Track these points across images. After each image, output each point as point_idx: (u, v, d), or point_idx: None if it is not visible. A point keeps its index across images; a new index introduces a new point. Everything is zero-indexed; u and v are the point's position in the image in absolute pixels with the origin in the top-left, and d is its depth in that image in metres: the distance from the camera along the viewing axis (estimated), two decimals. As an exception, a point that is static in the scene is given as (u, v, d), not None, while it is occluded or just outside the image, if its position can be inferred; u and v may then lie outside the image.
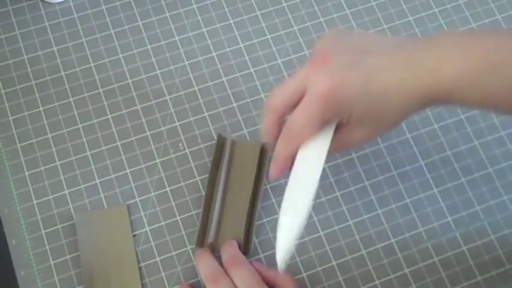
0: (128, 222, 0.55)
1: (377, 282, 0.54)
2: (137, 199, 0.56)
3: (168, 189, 0.56)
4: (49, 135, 0.57)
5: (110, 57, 0.60)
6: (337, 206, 0.56)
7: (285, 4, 0.63)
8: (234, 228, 0.54)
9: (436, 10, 0.64)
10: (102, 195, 0.56)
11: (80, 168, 0.56)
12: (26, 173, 0.56)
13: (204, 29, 0.62)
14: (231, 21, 0.62)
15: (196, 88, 0.60)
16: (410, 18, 0.63)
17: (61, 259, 0.53)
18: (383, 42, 0.47)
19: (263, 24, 0.62)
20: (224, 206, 0.55)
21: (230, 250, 0.52)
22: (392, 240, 0.55)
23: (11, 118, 0.58)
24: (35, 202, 0.55)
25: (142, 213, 0.55)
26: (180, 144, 0.58)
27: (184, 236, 0.55)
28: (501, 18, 0.64)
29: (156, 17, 0.62)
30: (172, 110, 0.59)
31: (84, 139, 0.57)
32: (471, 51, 0.44)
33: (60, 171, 0.56)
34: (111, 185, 0.56)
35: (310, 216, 0.55)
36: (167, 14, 0.62)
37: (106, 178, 0.56)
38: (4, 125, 0.57)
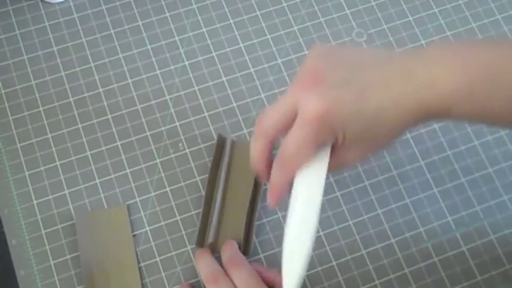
0: (128, 222, 0.55)
1: (377, 282, 0.54)
2: (137, 199, 0.56)
3: (168, 189, 0.56)
4: (49, 135, 0.57)
5: (110, 57, 0.60)
6: (337, 206, 0.56)
7: (285, 4, 0.63)
8: (234, 228, 0.54)
9: (436, 10, 0.64)
10: (102, 195, 0.56)
11: (80, 168, 0.56)
12: (26, 173, 0.56)
13: (204, 29, 0.62)
14: (231, 21, 0.62)
15: (196, 88, 0.60)
16: (410, 18, 0.63)
17: (61, 259, 0.53)
18: (375, 56, 0.45)
19: (263, 24, 0.62)
20: (224, 206, 0.55)
21: (230, 250, 0.52)
22: (392, 240, 0.55)
23: (11, 118, 0.58)
24: (35, 202, 0.55)
25: (142, 213, 0.55)
26: (180, 144, 0.58)
27: (184, 236, 0.55)
28: (501, 18, 0.64)
29: (156, 17, 0.62)
30: (172, 110, 0.59)
31: (84, 139, 0.57)
32: (468, 62, 0.42)
33: (60, 171, 0.56)
34: (111, 185, 0.56)
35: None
36: (167, 14, 0.62)
37: (106, 178, 0.56)
38: (4, 125, 0.57)
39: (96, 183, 0.56)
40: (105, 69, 0.60)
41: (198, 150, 0.57)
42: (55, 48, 0.60)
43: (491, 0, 0.64)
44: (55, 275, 0.53)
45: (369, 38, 0.62)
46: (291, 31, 0.62)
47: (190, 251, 0.54)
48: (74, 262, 0.53)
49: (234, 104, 0.59)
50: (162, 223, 0.55)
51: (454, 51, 0.43)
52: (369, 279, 0.54)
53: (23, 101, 0.58)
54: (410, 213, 0.56)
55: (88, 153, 0.57)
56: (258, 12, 0.63)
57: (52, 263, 0.53)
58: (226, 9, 0.63)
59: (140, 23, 0.62)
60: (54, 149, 0.57)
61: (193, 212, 0.55)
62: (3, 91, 0.59)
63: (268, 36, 0.62)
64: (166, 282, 0.53)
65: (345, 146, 0.44)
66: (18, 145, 0.57)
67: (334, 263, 0.54)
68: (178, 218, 0.55)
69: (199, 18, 0.62)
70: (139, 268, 0.53)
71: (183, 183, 0.56)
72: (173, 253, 0.54)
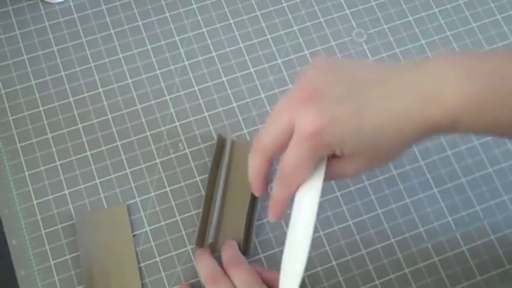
0: (128, 222, 0.55)
1: (377, 282, 0.54)
2: (137, 199, 0.56)
3: (168, 189, 0.56)
4: (49, 135, 0.57)
5: (110, 57, 0.60)
6: (337, 206, 0.56)
7: (285, 4, 0.63)
8: (234, 228, 0.54)
9: (436, 10, 0.64)
10: (102, 195, 0.56)
11: (80, 168, 0.56)
12: (26, 173, 0.56)
13: (204, 29, 0.62)
14: (231, 21, 0.62)
15: (196, 88, 0.60)
16: (410, 18, 0.63)
17: (61, 259, 0.53)
18: (378, 71, 0.43)
19: (263, 24, 0.62)
20: (224, 206, 0.55)
21: (230, 250, 0.52)
22: (392, 240, 0.55)
23: (11, 118, 0.58)
24: (35, 202, 0.55)
25: (142, 213, 0.55)
26: (180, 144, 0.58)
27: (184, 236, 0.55)
28: (501, 18, 0.64)
29: (156, 17, 0.62)
30: (172, 110, 0.59)
31: (84, 139, 0.57)
32: (475, 74, 0.41)
33: (60, 171, 0.56)
34: (111, 185, 0.56)
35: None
36: (167, 14, 0.62)
37: (106, 178, 0.56)
38: (4, 125, 0.57)
39: (96, 183, 0.56)
40: (105, 69, 0.60)
41: (198, 150, 0.57)
42: (55, 48, 0.60)
43: (491, 0, 0.64)
44: (55, 275, 0.53)
45: (368, 38, 0.62)
46: (291, 31, 0.62)
47: (190, 251, 0.54)
48: (74, 262, 0.53)
49: (234, 104, 0.59)
50: (162, 223, 0.55)
51: (459, 64, 0.42)
52: (369, 279, 0.54)
53: (23, 101, 0.58)
54: (410, 213, 0.56)
55: (88, 153, 0.57)
56: (258, 12, 0.63)
57: (52, 263, 0.53)
58: (226, 9, 0.63)
59: (140, 23, 0.62)
60: (54, 149, 0.57)
61: (193, 212, 0.55)
62: (3, 91, 0.59)
63: (268, 36, 0.62)
64: (166, 282, 0.53)
65: (344, 159, 0.44)
66: (18, 145, 0.57)
67: (334, 263, 0.54)
68: (178, 218, 0.55)
69: (199, 18, 0.62)
70: (140, 268, 0.53)
71: (183, 183, 0.56)
72: (173, 253, 0.54)
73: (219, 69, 0.60)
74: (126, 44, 0.61)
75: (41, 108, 0.58)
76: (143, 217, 0.55)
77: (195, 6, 0.63)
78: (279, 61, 0.61)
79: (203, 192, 0.55)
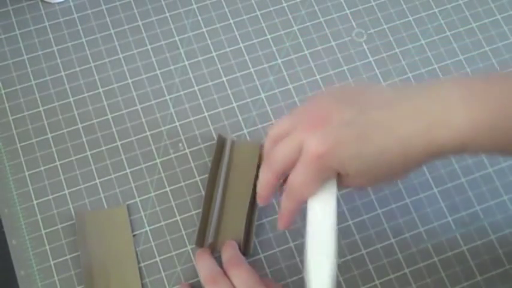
0: (128, 222, 0.55)
1: (377, 282, 0.54)
2: (137, 199, 0.56)
3: (168, 189, 0.56)
4: (49, 135, 0.57)
5: (110, 57, 0.60)
6: (337, 206, 0.56)
7: (285, 4, 0.63)
8: (234, 228, 0.54)
9: (436, 10, 0.64)
10: (102, 195, 0.56)
11: (80, 168, 0.56)
12: (26, 173, 0.56)
13: (204, 29, 0.62)
14: (231, 21, 0.62)
15: (196, 88, 0.60)
16: (410, 18, 0.63)
17: (61, 259, 0.53)
18: (386, 92, 0.46)
19: (263, 24, 0.62)
20: (224, 206, 0.55)
21: (230, 251, 0.52)
22: (392, 240, 0.55)
23: (11, 118, 0.58)
24: (35, 202, 0.55)
25: (142, 213, 0.55)
26: (180, 144, 0.58)
27: (184, 236, 0.55)
28: (501, 18, 0.64)
29: (156, 17, 0.62)
30: (172, 110, 0.59)
31: (84, 139, 0.57)
32: (485, 98, 0.42)
33: (60, 171, 0.56)
34: (111, 185, 0.56)
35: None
36: (167, 14, 0.62)
37: (106, 178, 0.56)
38: (4, 125, 0.57)
39: (96, 183, 0.56)
40: (105, 69, 0.60)
41: (198, 150, 0.57)
42: (55, 48, 0.60)
43: (491, 0, 0.64)
44: (55, 275, 0.53)
45: (368, 38, 0.62)
46: (291, 31, 0.62)
47: (190, 251, 0.54)
48: (74, 262, 0.53)
49: (234, 104, 0.59)
50: (162, 223, 0.55)
51: (467, 88, 0.42)
52: (369, 279, 0.54)
53: (23, 101, 0.58)
54: (410, 213, 0.56)
55: (88, 153, 0.57)
56: (258, 12, 0.63)
57: (52, 263, 0.53)
58: (226, 9, 0.63)
59: (140, 23, 0.62)
60: (54, 149, 0.57)
61: (193, 212, 0.55)
62: (3, 91, 0.59)
63: (268, 36, 0.62)
64: (166, 282, 0.53)
65: (350, 177, 0.45)
66: (18, 145, 0.57)
67: (334, 263, 0.54)
68: (178, 218, 0.55)
69: (199, 18, 0.62)
70: (140, 268, 0.53)
71: (183, 183, 0.56)
72: (173, 253, 0.54)
73: (219, 69, 0.60)
74: (126, 44, 0.61)
75: (41, 108, 0.58)
76: (143, 217, 0.55)
77: (195, 6, 0.63)
78: (279, 61, 0.61)
79: (203, 192, 0.55)
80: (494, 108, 0.41)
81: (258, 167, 0.55)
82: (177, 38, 0.61)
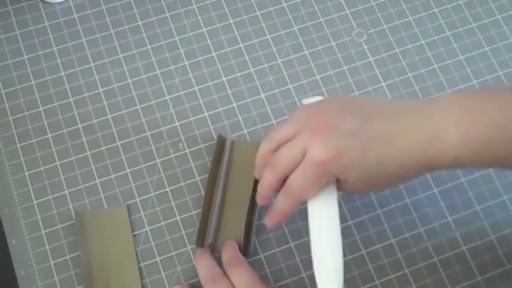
0: (128, 222, 0.55)
1: (377, 282, 0.54)
2: (137, 199, 0.56)
3: (168, 189, 0.56)
4: (49, 135, 0.57)
5: (110, 57, 0.60)
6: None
7: (285, 4, 0.63)
8: (234, 228, 0.54)
9: (436, 10, 0.64)
10: (102, 195, 0.56)
11: (80, 168, 0.56)
12: (26, 173, 0.56)
13: (204, 29, 0.62)
14: (231, 21, 0.62)
15: (196, 88, 0.60)
16: (410, 18, 0.63)
17: (61, 259, 0.53)
18: (387, 106, 0.48)
19: (263, 24, 0.62)
20: (224, 206, 0.55)
21: (230, 251, 0.52)
22: (392, 240, 0.55)
23: (11, 118, 0.58)
24: (35, 202, 0.55)
25: (142, 213, 0.55)
26: (180, 144, 0.58)
27: (184, 236, 0.55)
28: (501, 18, 0.64)
29: (156, 17, 0.62)
30: (172, 110, 0.59)
31: (84, 139, 0.57)
32: (475, 115, 0.44)
33: (60, 171, 0.56)
34: (111, 185, 0.56)
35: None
36: (167, 14, 0.62)
37: (106, 178, 0.56)
38: (4, 125, 0.57)
39: (96, 183, 0.56)
40: (105, 69, 0.60)
41: (198, 150, 0.57)
42: (55, 48, 0.60)
43: (491, 0, 0.64)
44: (55, 275, 0.53)
45: (368, 38, 0.62)
46: (291, 31, 0.62)
47: (190, 251, 0.54)
48: (74, 262, 0.53)
49: (234, 104, 0.59)
50: (162, 223, 0.55)
51: (461, 105, 0.45)
52: (369, 279, 0.54)
53: (23, 101, 0.58)
54: (410, 213, 0.56)
55: (88, 153, 0.57)
56: (258, 12, 0.63)
57: (52, 263, 0.53)
58: (226, 9, 0.63)
59: (140, 23, 0.62)
60: (54, 149, 0.57)
61: (193, 212, 0.55)
62: (3, 91, 0.59)
63: (268, 36, 0.62)
64: (166, 282, 0.53)
65: (349, 183, 0.47)
66: (18, 145, 0.57)
67: (334, 263, 0.54)
68: (178, 218, 0.55)
69: (199, 18, 0.62)
70: (140, 268, 0.53)
71: (183, 183, 0.56)
72: (173, 253, 0.54)
73: (219, 69, 0.60)
74: (126, 44, 0.61)
75: (41, 108, 0.58)
76: (143, 217, 0.55)
77: (195, 6, 0.63)
78: (279, 61, 0.61)
79: (203, 192, 0.55)
80: (486, 124, 0.44)
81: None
82: (177, 38, 0.61)
